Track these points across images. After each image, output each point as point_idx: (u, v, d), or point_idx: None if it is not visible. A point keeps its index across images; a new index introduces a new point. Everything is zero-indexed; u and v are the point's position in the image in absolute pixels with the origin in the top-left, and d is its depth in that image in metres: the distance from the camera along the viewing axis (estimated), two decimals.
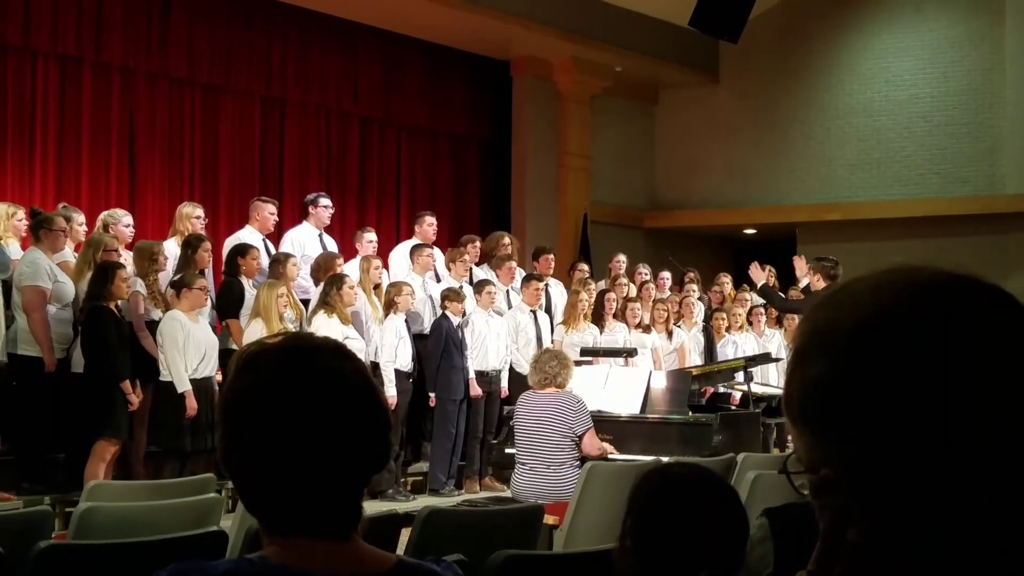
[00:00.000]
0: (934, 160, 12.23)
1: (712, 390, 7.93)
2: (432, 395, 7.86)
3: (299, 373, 1.27)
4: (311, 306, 7.45)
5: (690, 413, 6.81)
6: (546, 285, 9.33)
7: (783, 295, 9.66)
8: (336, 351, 1.32)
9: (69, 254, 6.82)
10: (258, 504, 1.28)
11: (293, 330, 6.95)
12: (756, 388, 7.62)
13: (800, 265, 9.43)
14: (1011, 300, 0.76)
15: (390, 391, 7.38)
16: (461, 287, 8.28)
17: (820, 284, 8.00)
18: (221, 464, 1.32)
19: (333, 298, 7.14)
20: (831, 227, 12.34)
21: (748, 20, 10.56)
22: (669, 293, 10.14)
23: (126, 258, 6.83)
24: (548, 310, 9.13)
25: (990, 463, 0.70)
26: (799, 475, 0.77)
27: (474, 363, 7.94)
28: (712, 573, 1.87)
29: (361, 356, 7.09)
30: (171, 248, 7.28)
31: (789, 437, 7.84)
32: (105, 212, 7.46)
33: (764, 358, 8.31)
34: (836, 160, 12.69)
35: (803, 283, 9.11)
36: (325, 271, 7.58)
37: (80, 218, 7.26)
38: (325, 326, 7.04)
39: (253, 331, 6.65)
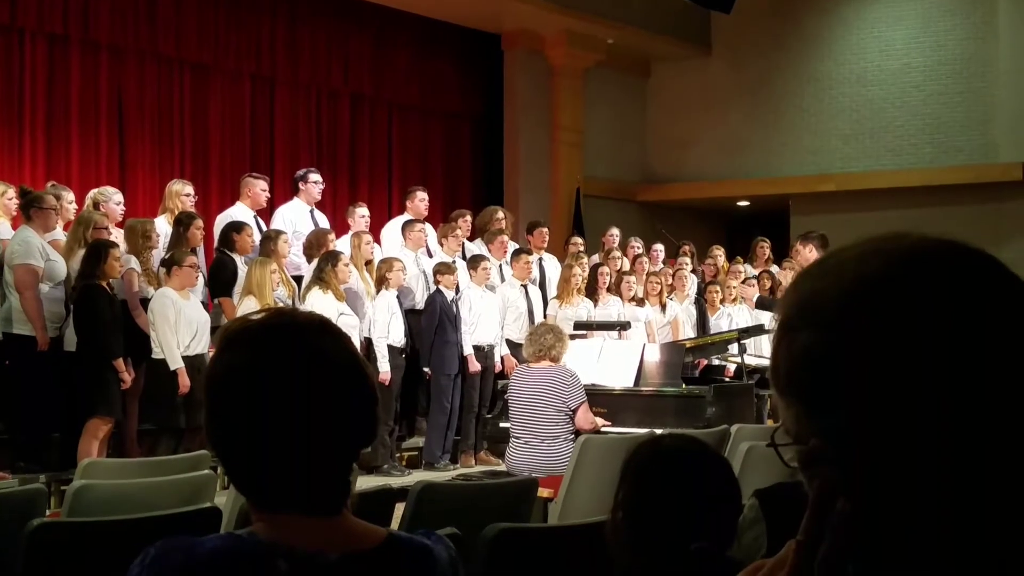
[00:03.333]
0: (927, 130, 12.21)
1: (706, 362, 7.95)
2: (426, 370, 7.87)
3: (283, 349, 1.26)
4: (304, 283, 7.43)
5: (684, 385, 6.82)
6: (540, 259, 9.32)
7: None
8: (320, 327, 1.31)
9: (60, 232, 6.80)
10: (245, 481, 1.28)
11: (282, 307, 6.95)
12: (749, 360, 7.63)
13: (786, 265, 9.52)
14: (996, 265, 0.75)
15: (383, 367, 7.38)
16: (453, 262, 8.27)
17: (815, 255, 8.01)
18: (208, 441, 1.31)
19: (328, 274, 7.13)
20: (824, 198, 12.34)
21: None
22: (662, 266, 10.14)
23: (116, 236, 6.81)
24: (542, 285, 9.13)
25: (978, 430, 0.70)
26: (787, 447, 0.77)
27: (470, 338, 7.94)
28: (705, 545, 1.87)
29: (355, 332, 7.15)
30: (161, 226, 7.26)
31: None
32: (95, 190, 7.43)
33: (757, 330, 8.32)
34: (829, 131, 12.66)
35: (790, 275, 9.16)
36: (318, 247, 7.56)
37: (69, 196, 7.23)
38: (320, 302, 7.03)
39: (246, 308, 6.63)
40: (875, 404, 0.70)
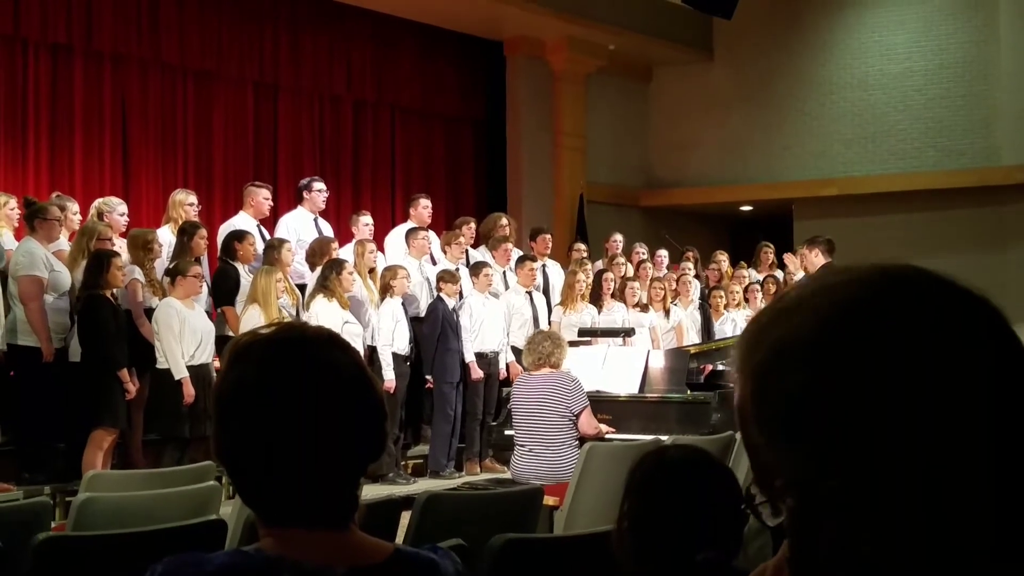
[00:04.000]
0: (930, 133, 12.20)
1: (710, 367, 7.94)
2: (429, 378, 7.87)
3: (291, 363, 1.27)
4: (308, 291, 7.44)
5: (688, 392, 6.81)
6: (543, 266, 9.32)
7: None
8: (329, 341, 1.32)
9: (64, 243, 6.81)
10: (253, 495, 1.28)
11: (289, 316, 6.95)
12: None
13: (792, 260, 9.54)
14: (956, 286, 0.75)
15: (388, 375, 7.39)
16: (457, 269, 8.27)
17: (820, 260, 8.01)
18: (215, 456, 1.32)
19: (332, 282, 7.13)
20: (827, 202, 12.33)
21: None
22: (666, 271, 10.14)
23: (120, 246, 6.82)
24: (546, 291, 9.13)
25: (962, 451, 0.70)
26: (765, 502, 0.76)
27: (473, 345, 7.94)
28: (709, 555, 1.87)
29: (359, 340, 7.15)
30: (165, 236, 7.27)
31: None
32: (99, 200, 7.44)
33: None
34: (831, 135, 12.66)
35: (798, 275, 9.17)
36: (321, 256, 7.57)
37: (74, 207, 7.24)
38: (325, 310, 7.04)
39: (251, 317, 6.64)
40: (898, 439, 0.70)
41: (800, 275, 9.02)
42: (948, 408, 0.70)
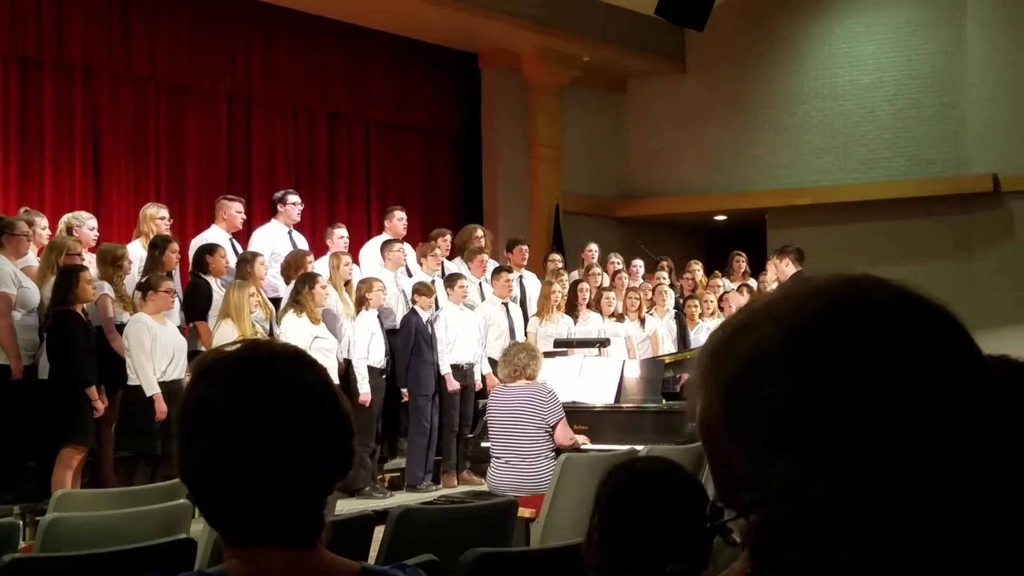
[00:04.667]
0: (899, 143, 12.33)
1: (686, 377, 7.96)
2: (404, 391, 7.84)
3: (257, 381, 1.26)
4: (282, 305, 7.40)
5: (664, 401, 6.83)
6: (520, 277, 9.33)
7: None
8: (295, 358, 1.31)
9: (33, 259, 6.74)
10: (217, 515, 1.27)
11: (263, 330, 6.91)
12: None
13: (771, 268, 9.63)
14: (911, 294, 0.76)
15: (364, 388, 7.36)
16: (432, 281, 8.26)
17: (791, 268, 8.07)
18: (179, 474, 1.30)
19: (304, 297, 7.10)
20: (800, 212, 12.42)
21: (713, 8, 10.57)
22: (642, 281, 10.17)
23: (90, 261, 6.75)
24: (523, 302, 9.14)
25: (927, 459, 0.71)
26: (733, 519, 0.76)
27: (448, 357, 7.92)
28: (679, 567, 1.88)
29: (334, 354, 7.12)
30: (136, 250, 7.21)
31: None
32: (68, 215, 7.38)
33: None
34: (803, 145, 12.76)
35: (772, 285, 9.23)
36: (296, 269, 7.53)
37: (43, 222, 7.17)
38: (294, 326, 7.00)
39: (224, 332, 6.60)
40: (884, 444, 0.71)
41: (775, 285, 9.07)
42: (910, 409, 0.71)
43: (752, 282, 10.40)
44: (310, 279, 7.21)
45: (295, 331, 6.92)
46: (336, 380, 6.68)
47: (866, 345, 0.73)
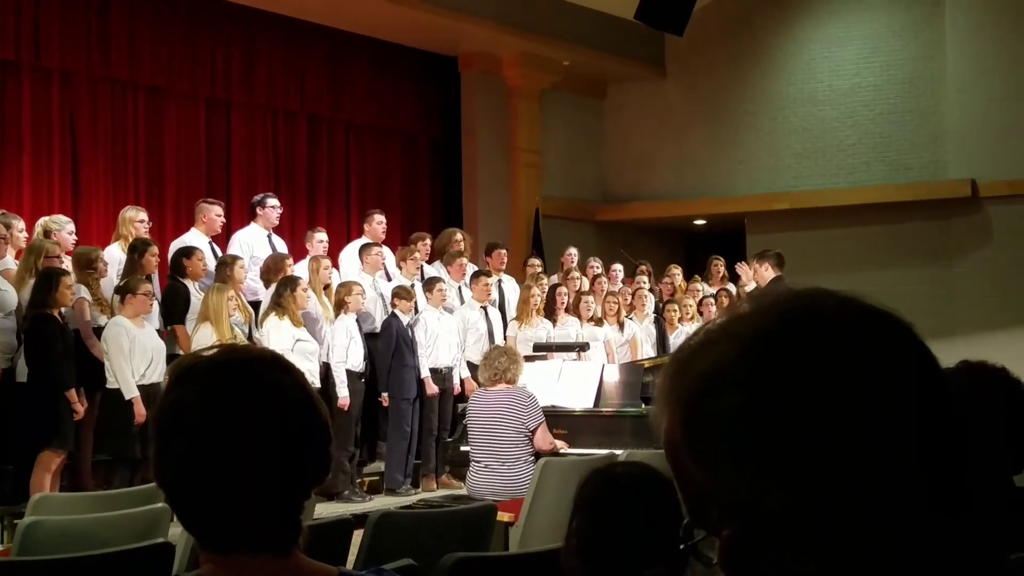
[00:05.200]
0: (878, 148, 12.41)
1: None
2: (384, 395, 7.83)
3: (234, 385, 1.26)
4: (262, 308, 7.38)
5: (643, 405, 6.84)
6: (499, 281, 9.33)
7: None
8: (272, 362, 1.31)
9: (10, 262, 6.70)
10: (193, 521, 1.26)
11: (242, 334, 6.89)
12: None
13: (744, 270, 9.67)
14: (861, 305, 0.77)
15: (342, 392, 7.34)
16: (412, 285, 8.25)
17: (770, 273, 8.11)
18: (155, 479, 1.30)
19: (286, 300, 7.08)
20: (779, 216, 12.48)
21: (693, 13, 10.62)
22: (621, 286, 10.19)
23: (68, 264, 6.72)
24: (502, 306, 9.14)
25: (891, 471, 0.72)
26: (703, 538, 0.76)
27: (427, 361, 7.92)
28: (657, 572, 1.88)
29: (314, 358, 7.11)
30: (115, 253, 7.17)
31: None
32: (46, 218, 7.33)
33: None
34: (783, 150, 12.83)
35: (750, 286, 9.29)
36: (275, 272, 7.52)
37: (20, 225, 7.12)
38: (276, 329, 6.98)
39: (202, 335, 6.57)
40: (843, 453, 0.71)
41: (752, 286, 9.12)
42: (863, 420, 0.72)
43: (731, 286, 10.45)
44: (291, 282, 7.20)
45: (277, 333, 6.91)
46: (316, 384, 6.68)
47: (817, 357, 0.73)
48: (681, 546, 0.79)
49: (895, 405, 0.73)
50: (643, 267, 10.57)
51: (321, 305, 7.66)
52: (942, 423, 0.74)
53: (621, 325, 9.33)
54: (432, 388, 7.88)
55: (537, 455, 5.55)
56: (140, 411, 6.22)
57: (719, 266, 10.85)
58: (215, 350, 1.32)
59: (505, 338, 8.52)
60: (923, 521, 0.72)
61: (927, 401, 0.74)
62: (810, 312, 0.76)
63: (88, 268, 6.62)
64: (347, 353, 7.48)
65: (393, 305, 7.94)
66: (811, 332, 0.75)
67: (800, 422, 0.72)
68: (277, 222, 8.38)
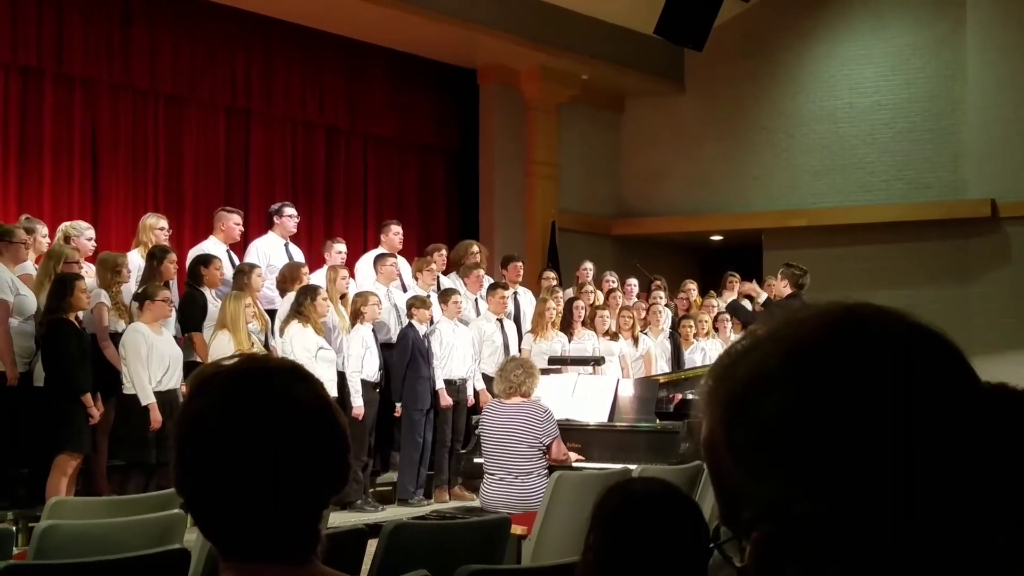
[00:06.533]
0: (897, 166, 12.37)
1: (680, 397, 7.97)
2: (398, 405, 7.84)
3: (254, 396, 1.26)
4: (280, 316, 7.40)
5: (657, 421, 6.82)
6: (515, 293, 9.33)
7: (750, 309, 9.81)
8: (292, 372, 1.31)
9: (31, 267, 6.75)
10: (213, 529, 1.27)
11: (258, 341, 6.91)
12: None
13: (755, 289, 9.71)
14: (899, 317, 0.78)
15: (357, 401, 7.35)
16: (428, 296, 8.26)
17: (787, 290, 8.09)
18: (176, 488, 1.30)
19: (307, 308, 7.11)
20: (796, 233, 12.45)
21: (712, 28, 10.63)
22: (636, 300, 10.18)
23: (87, 270, 6.76)
24: (517, 318, 9.14)
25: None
26: (732, 539, 0.77)
27: (442, 373, 7.92)
28: None
29: (334, 367, 7.12)
30: (135, 260, 7.22)
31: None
32: (66, 224, 7.38)
33: None
34: (801, 167, 12.80)
35: (762, 298, 9.27)
36: (292, 281, 7.54)
37: (43, 230, 7.19)
38: (300, 335, 7.01)
39: (220, 343, 6.60)
40: (887, 459, 0.72)
41: (764, 298, 9.11)
42: (904, 433, 0.72)
43: (747, 302, 10.42)
44: (312, 291, 7.22)
45: (301, 341, 6.93)
46: (335, 393, 6.69)
47: (863, 367, 0.74)
48: (710, 545, 0.79)
49: (933, 424, 0.73)
50: (658, 282, 10.56)
51: (337, 315, 7.68)
52: (980, 446, 0.74)
53: (636, 340, 9.31)
54: (446, 400, 7.88)
55: (551, 469, 5.54)
56: (156, 417, 6.25)
57: (734, 282, 10.82)
58: (235, 360, 1.33)
59: (520, 351, 8.51)
60: (960, 540, 0.72)
61: (965, 422, 0.74)
62: (857, 323, 0.77)
63: (113, 272, 6.66)
64: (362, 363, 7.49)
65: (410, 315, 7.95)
66: (856, 343, 0.75)
67: (836, 431, 0.72)
68: (294, 231, 8.42)
